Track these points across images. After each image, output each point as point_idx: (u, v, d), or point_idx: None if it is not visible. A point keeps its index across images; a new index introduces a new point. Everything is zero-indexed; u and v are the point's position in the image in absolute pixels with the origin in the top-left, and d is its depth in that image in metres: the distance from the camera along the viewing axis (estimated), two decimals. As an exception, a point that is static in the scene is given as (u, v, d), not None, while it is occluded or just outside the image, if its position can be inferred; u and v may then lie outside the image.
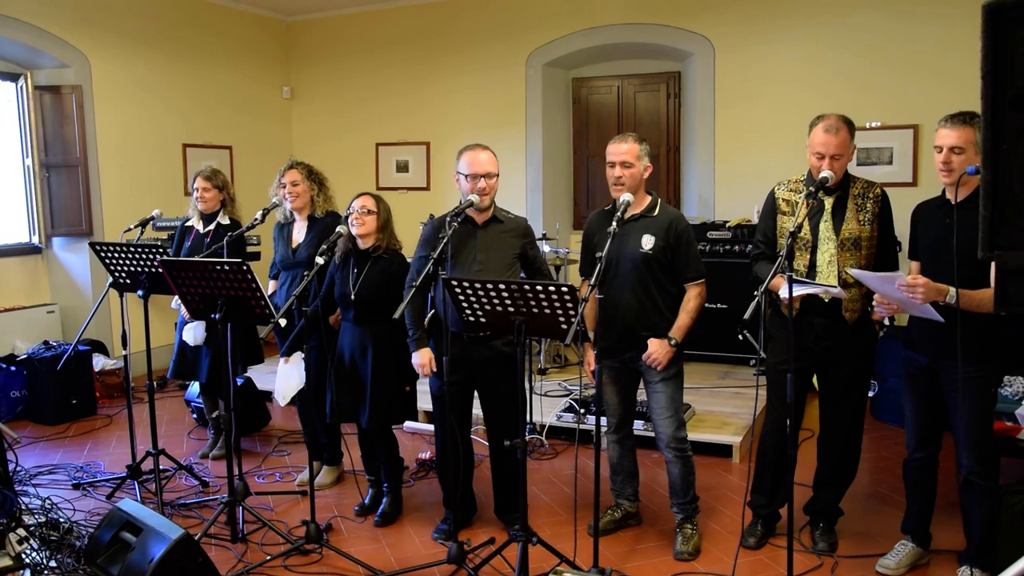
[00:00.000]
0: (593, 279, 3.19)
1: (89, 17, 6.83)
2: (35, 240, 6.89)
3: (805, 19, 6.72)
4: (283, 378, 4.20)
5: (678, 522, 3.82)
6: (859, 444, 3.76)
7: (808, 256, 3.50)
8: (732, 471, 4.79)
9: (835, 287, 3.28)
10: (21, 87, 6.71)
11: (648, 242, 3.58)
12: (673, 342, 3.58)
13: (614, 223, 3.33)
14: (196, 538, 3.26)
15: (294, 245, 4.52)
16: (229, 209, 4.94)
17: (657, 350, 3.57)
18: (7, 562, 3.41)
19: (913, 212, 3.50)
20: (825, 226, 3.48)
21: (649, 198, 3.68)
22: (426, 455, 4.92)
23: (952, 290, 3.02)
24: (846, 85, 6.50)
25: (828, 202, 3.48)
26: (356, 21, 8.50)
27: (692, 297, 3.64)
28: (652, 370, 3.63)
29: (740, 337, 6.80)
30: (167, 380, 6.73)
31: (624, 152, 3.57)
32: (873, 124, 6.47)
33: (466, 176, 3.70)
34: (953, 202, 3.17)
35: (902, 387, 3.56)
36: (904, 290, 3.03)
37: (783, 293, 3.16)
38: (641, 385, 3.83)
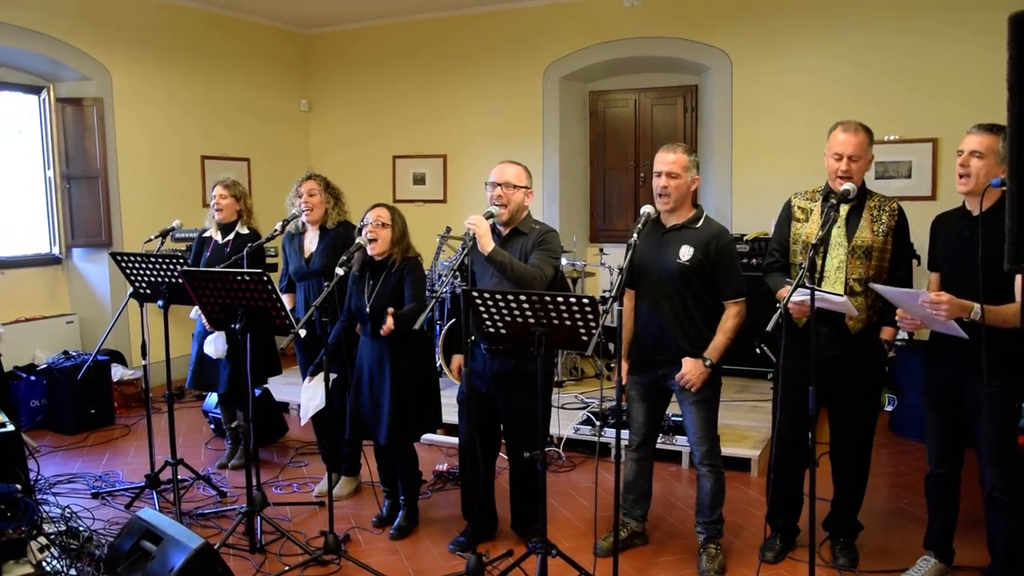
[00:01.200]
0: (614, 291, 3.18)
1: (110, 31, 6.91)
2: (55, 251, 6.95)
3: (823, 33, 6.72)
4: (307, 397, 4.20)
5: (701, 542, 3.76)
6: (868, 460, 3.73)
7: (819, 261, 3.47)
8: (751, 485, 4.76)
9: (841, 296, 3.25)
10: (43, 100, 6.78)
11: (686, 253, 3.52)
12: (708, 363, 3.53)
13: (634, 235, 3.33)
14: (215, 547, 3.26)
15: (306, 255, 4.54)
16: (246, 220, 4.98)
17: (691, 371, 3.52)
18: (28, 570, 3.42)
19: (932, 223, 3.48)
20: (838, 232, 3.46)
21: (694, 210, 3.63)
22: (443, 467, 4.91)
23: (976, 306, 2.99)
24: (864, 99, 6.48)
25: (843, 209, 3.47)
26: (373, 34, 8.55)
27: (730, 316, 3.57)
28: (686, 390, 3.58)
29: (757, 351, 6.77)
30: (184, 390, 6.76)
31: (671, 162, 3.52)
32: (891, 138, 6.44)
33: (487, 185, 3.74)
34: (976, 213, 3.16)
35: (923, 401, 3.53)
36: (928, 307, 3.01)
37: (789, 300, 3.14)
38: (673, 399, 3.78)
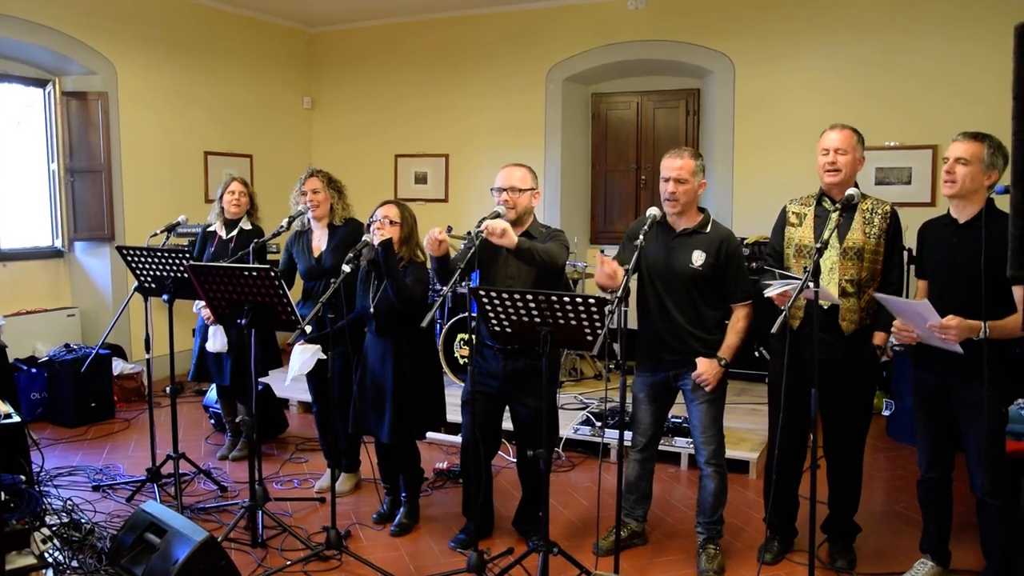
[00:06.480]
0: (619, 292, 3.21)
1: (116, 25, 6.93)
2: (58, 244, 6.96)
3: (826, 38, 6.76)
4: (297, 361, 3.91)
5: (701, 542, 3.79)
6: (860, 463, 3.75)
7: (811, 262, 3.50)
8: (749, 487, 4.79)
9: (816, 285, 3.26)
10: (49, 93, 6.79)
11: (699, 258, 3.55)
12: (723, 362, 3.57)
13: (641, 237, 3.36)
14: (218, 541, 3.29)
15: (316, 254, 4.53)
16: (253, 216, 5.02)
17: (707, 370, 3.55)
18: (31, 560, 3.44)
19: (919, 230, 3.52)
20: (828, 233, 3.49)
21: (701, 215, 3.66)
22: (443, 465, 4.94)
23: (983, 326, 3.01)
24: (867, 104, 6.52)
25: (834, 213, 3.51)
26: (378, 33, 8.58)
27: (741, 318, 3.63)
28: (698, 389, 3.61)
29: (756, 354, 6.80)
30: (184, 385, 6.77)
31: (679, 167, 3.54)
32: (891, 144, 6.49)
33: (493, 190, 3.76)
34: (961, 220, 3.25)
35: (913, 406, 3.56)
36: (937, 332, 3.03)
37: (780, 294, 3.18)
38: (678, 400, 3.81)
